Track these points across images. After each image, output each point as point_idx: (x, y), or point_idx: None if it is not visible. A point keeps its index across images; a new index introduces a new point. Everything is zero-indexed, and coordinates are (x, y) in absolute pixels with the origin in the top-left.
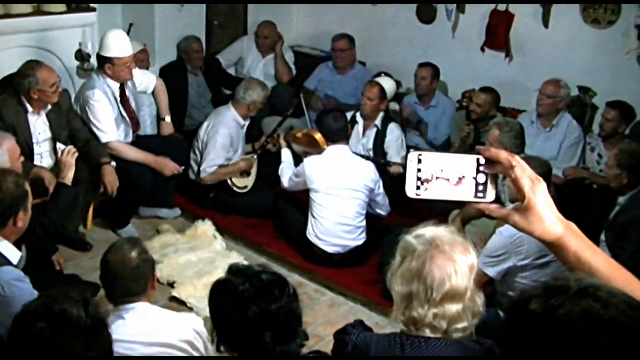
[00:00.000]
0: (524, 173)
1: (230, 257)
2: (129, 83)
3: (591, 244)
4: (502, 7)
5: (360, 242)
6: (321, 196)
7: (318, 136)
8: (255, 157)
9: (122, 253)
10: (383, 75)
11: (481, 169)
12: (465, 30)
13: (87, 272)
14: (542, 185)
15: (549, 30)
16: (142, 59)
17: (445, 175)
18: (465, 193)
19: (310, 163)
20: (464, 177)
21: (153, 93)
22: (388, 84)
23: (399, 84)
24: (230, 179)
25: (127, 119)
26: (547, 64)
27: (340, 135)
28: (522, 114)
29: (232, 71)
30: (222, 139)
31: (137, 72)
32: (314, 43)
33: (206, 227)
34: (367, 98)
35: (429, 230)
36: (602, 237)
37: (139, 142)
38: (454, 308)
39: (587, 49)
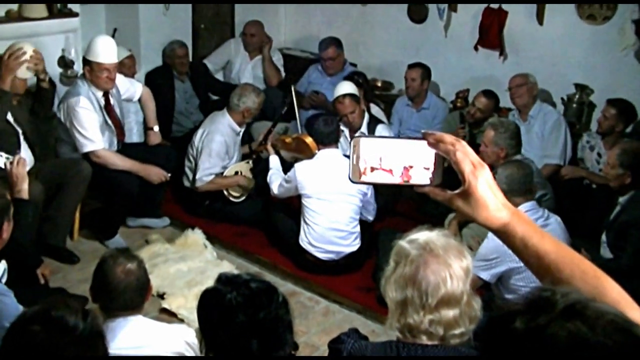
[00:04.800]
0: (466, 156)
1: (222, 266)
2: (114, 90)
3: (538, 229)
4: (494, 4)
5: (354, 248)
6: (313, 201)
7: (309, 140)
8: (251, 162)
9: (122, 265)
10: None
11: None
12: (458, 29)
13: (75, 284)
14: (485, 170)
15: (544, 27)
16: (128, 65)
17: (390, 160)
18: (410, 177)
19: (301, 168)
20: (409, 161)
21: (139, 101)
22: (347, 87)
23: (390, 86)
24: (227, 189)
25: (112, 127)
26: (542, 62)
27: (330, 138)
28: (508, 113)
29: (220, 76)
30: (217, 146)
31: (122, 80)
32: (302, 45)
33: (196, 236)
34: (345, 113)
35: (422, 235)
36: (603, 237)
37: (125, 150)
38: (450, 313)
39: (582, 46)
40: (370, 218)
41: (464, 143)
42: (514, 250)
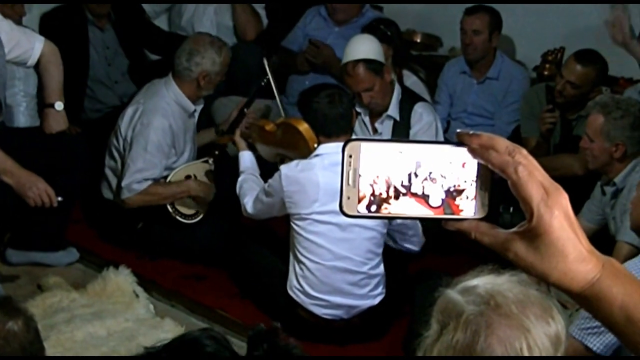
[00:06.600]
0: (532, 175)
1: (162, 328)
2: None
3: None
4: None
5: (375, 301)
6: (310, 227)
7: (303, 127)
8: (211, 161)
9: None
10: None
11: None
12: None
13: None
14: (562, 198)
15: None
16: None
17: (420, 180)
18: (458, 208)
19: (291, 172)
20: (434, 179)
21: (37, 66)
22: (364, 47)
23: (435, 42)
24: (172, 203)
25: None
26: None
27: (338, 125)
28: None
29: (162, 22)
30: (156, 134)
31: (10, 28)
32: None
33: (121, 280)
34: (357, 90)
35: (483, 281)
36: None
37: (2, 138)
38: None
39: None
40: (415, 248)
41: (526, 153)
42: (608, 324)
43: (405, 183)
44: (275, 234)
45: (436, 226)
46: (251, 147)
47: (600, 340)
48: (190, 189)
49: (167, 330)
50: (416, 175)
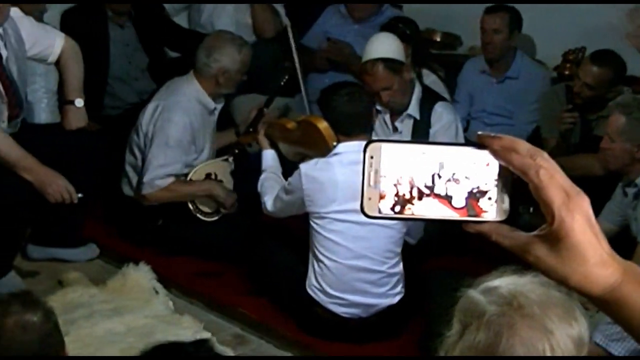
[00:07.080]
0: (554, 178)
1: (180, 325)
2: (12, 39)
3: None
4: None
5: (394, 300)
6: (328, 225)
7: (322, 125)
8: (232, 159)
9: (17, 316)
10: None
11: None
12: None
13: None
14: (584, 202)
15: None
16: None
17: (444, 181)
18: (481, 210)
19: (310, 170)
20: (458, 180)
21: (57, 63)
22: (383, 46)
23: (455, 41)
24: (194, 201)
25: (2, 93)
26: None
27: (357, 124)
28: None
29: (182, 20)
30: (177, 131)
31: (31, 25)
32: None
33: (140, 276)
34: (375, 89)
35: (506, 282)
36: None
37: (22, 134)
38: None
39: None
40: (412, 241)
41: (547, 156)
42: (628, 328)
43: (429, 184)
44: (295, 233)
45: (456, 227)
46: (274, 146)
47: (622, 346)
48: (212, 188)
49: (186, 327)
50: (439, 177)
